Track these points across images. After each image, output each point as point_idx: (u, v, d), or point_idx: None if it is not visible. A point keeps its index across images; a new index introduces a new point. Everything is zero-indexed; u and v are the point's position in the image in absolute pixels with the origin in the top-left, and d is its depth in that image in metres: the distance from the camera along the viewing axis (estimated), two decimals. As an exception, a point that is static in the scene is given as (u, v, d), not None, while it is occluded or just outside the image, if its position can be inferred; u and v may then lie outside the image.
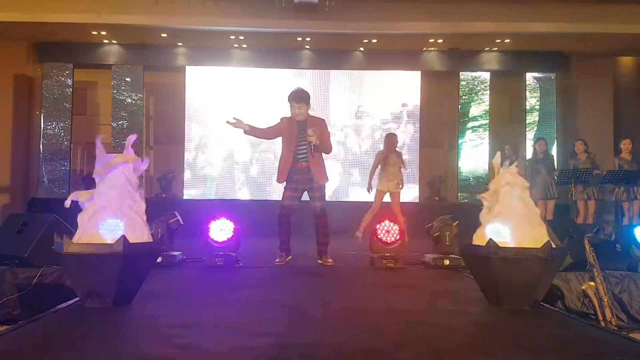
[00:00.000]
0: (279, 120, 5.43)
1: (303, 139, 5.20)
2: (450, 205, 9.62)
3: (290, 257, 5.40)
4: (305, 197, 5.38)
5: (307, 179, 5.21)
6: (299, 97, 5.22)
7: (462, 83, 10.57)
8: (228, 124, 5.15)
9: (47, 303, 3.41)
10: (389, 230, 5.12)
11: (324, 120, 5.47)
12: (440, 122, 10.73)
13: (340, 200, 9.91)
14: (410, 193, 9.85)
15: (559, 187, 8.38)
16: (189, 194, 10.34)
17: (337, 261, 5.38)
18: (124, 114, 10.23)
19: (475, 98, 10.59)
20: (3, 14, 8.52)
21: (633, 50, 10.24)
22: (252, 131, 5.31)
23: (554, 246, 3.20)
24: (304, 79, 10.57)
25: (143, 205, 3.38)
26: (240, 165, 10.49)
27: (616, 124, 10.27)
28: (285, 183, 5.33)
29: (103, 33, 9.55)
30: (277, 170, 5.38)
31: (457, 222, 5.26)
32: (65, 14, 8.64)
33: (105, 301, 3.10)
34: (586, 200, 8.11)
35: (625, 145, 8.09)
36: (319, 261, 5.28)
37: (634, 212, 7.77)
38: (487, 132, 10.49)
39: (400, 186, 7.40)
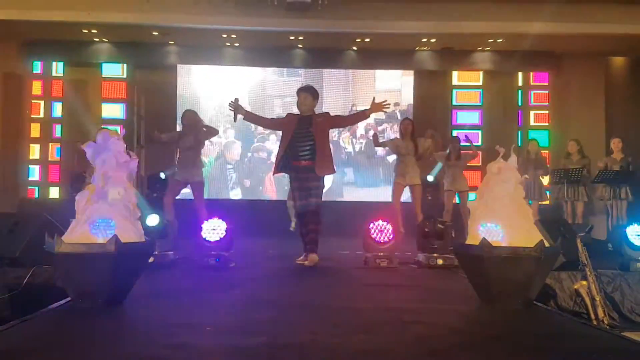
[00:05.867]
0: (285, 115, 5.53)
1: (304, 136, 5.15)
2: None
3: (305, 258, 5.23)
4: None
5: (305, 177, 5.15)
6: (305, 87, 5.32)
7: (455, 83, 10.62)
8: (229, 106, 5.19)
9: (38, 303, 3.38)
10: (382, 230, 5.11)
11: (327, 112, 5.53)
12: (434, 121, 10.72)
13: (333, 200, 9.89)
14: (404, 192, 9.85)
15: (549, 188, 8.43)
16: (181, 193, 10.27)
17: (330, 261, 5.37)
18: (114, 112, 10.18)
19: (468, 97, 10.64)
20: (-8, 12, 8.46)
21: (624, 51, 10.29)
22: (250, 117, 5.42)
23: (546, 245, 3.21)
24: (296, 77, 10.56)
25: (135, 204, 3.36)
26: (232, 165, 10.46)
27: (608, 123, 10.32)
28: (290, 182, 5.39)
29: (94, 31, 9.48)
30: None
31: None
32: (55, 11, 8.56)
33: (96, 301, 3.07)
34: (574, 200, 8.12)
35: (615, 144, 8.11)
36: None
37: (623, 212, 7.79)
38: (479, 132, 10.51)
39: None
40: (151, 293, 3.59)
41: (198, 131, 6.49)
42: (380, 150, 10.51)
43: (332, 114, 5.49)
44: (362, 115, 5.39)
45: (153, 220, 4.96)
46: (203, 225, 4.95)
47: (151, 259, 4.50)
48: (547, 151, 9.93)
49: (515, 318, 3.06)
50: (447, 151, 7.99)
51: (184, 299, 3.56)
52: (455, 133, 9.29)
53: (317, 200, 5.16)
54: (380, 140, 7.56)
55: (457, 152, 8.05)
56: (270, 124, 5.97)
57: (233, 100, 5.19)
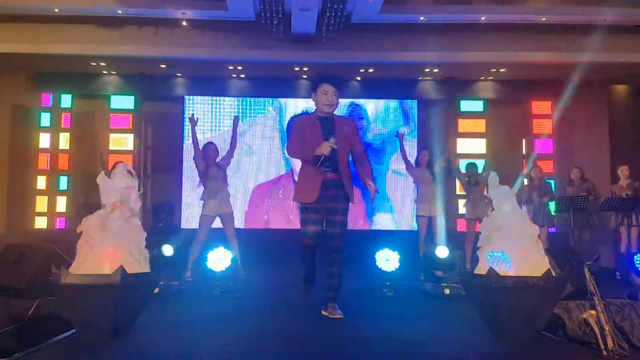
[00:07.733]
0: (293, 127, 4.12)
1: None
2: (449, 232, 9.58)
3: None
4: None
5: (333, 195, 3.94)
6: (333, 78, 4.02)
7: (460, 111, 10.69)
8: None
9: (44, 335, 3.37)
10: (388, 259, 5.10)
11: (352, 120, 4.33)
12: (439, 149, 10.74)
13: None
14: (408, 221, 9.87)
15: (555, 215, 8.39)
16: (187, 223, 10.30)
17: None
18: (122, 143, 10.29)
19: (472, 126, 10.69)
20: (2, 45, 8.60)
21: (626, 78, 10.36)
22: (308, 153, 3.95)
23: (554, 274, 3.19)
24: (301, 108, 10.66)
25: (142, 235, 3.37)
26: (239, 194, 10.49)
27: (612, 150, 10.33)
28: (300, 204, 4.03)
29: (102, 64, 9.62)
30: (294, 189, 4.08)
31: None
32: (63, 44, 8.70)
33: (101, 332, 3.06)
34: (581, 228, 8.09)
35: (623, 171, 8.12)
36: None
37: (632, 239, 7.75)
38: (483, 160, 10.52)
39: None
40: (156, 324, 3.57)
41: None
42: (389, 173, 10.43)
43: (355, 127, 4.16)
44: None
45: (168, 250, 4.99)
46: (209, 255, 4.96)
47: (156, 290, 4.51)
48: (552, 179, 9.91)
49: (523, 348, 3.02)
50: (466, 178, 7.93)
51: (189, 330, 3.55)
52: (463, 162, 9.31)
53: (342, 229, 3.97)
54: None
55: (475, 177, 7.97)
56: (301, 149, 4.00)
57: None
